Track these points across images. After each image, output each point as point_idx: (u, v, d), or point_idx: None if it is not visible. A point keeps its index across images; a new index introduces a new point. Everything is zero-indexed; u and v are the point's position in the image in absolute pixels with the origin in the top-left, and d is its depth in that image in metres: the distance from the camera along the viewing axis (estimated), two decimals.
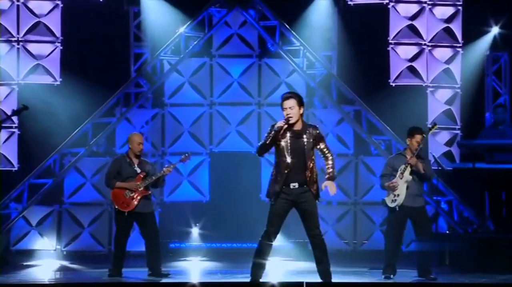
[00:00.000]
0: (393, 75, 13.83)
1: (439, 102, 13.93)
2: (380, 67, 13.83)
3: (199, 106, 14.05)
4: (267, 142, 7.92)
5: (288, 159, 7.90)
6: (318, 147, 8.11)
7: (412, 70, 13.90)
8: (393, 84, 13.82)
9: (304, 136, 7.97)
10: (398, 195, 9.64)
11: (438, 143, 13.81)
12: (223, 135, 14.00)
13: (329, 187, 8.09)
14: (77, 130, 13.70)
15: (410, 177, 9.67)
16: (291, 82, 14.03)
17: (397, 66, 13.89)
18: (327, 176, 8.18)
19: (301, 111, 7.99)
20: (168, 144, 13.93)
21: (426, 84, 13.91)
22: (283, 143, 7.96)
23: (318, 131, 8.06)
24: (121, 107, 13.97)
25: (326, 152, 8.16)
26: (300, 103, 7.99)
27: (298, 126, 8.00)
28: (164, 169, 10.10)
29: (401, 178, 9.66)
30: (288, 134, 7.96)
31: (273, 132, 7.89)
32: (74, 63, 13.55)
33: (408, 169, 9.65)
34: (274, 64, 14.11)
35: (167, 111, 13.96)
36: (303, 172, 7.95)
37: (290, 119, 7.91)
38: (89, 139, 13.82)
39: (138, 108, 14.06)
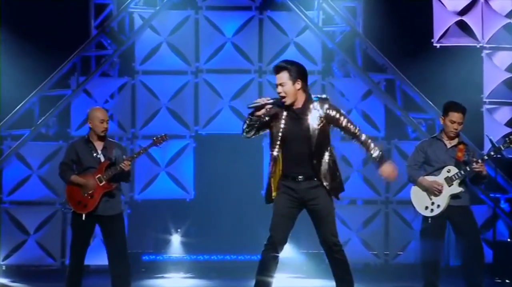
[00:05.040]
0: (437, 34, 13.89)
1: (498, 68, 13.98)
2: (421, 23, 13.87)
3: (181, 74, 14.13)
4: (247, 128, 8.01)
5: (286, 149, 7.86)
6: (337, 125, 7.93)
7: (463, 27, 13.96)
8: (438, 45, 13.90)
9: (308, 115, 7.85)
10: (438, 206, 9.56)
11: (497, 122, 13.85)
12: (213, 112, 14.06)
13: (384, 172, 7.89)
14: (19, 105, 13.76)
15: (460, 190, 9.53)
16: (303, 42, 14.09)
17: (442, 21, 13.92)
18: (373, 160, 7.97)
19: (299, 87, 7.87)
20: (140, 125, 14.01)
21: (481, 44, 13.97)
22: (276, 128, 7.88)
23: (327, 105, 7.90)
24: (77, 75, 14.02)
25: (351, 128, 7.96)
26: (295, 76, 7.86)
27: (298, 104, 7.90)
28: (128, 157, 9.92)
29: (448, 185, 9.53)
30: (284, 115, 7.87)
31: (253, 117, 7.89)
32: (15, 17, 13.53)
33: (460, 180, 9.48)
34: (280, 18, 14.17)
35: (138, 81, 14.03)
36: (309, 162, 7.85)
37: (283, 100, 7.85)
38: (36, 117, 13.87)
39: (100, 76, 14.13)
